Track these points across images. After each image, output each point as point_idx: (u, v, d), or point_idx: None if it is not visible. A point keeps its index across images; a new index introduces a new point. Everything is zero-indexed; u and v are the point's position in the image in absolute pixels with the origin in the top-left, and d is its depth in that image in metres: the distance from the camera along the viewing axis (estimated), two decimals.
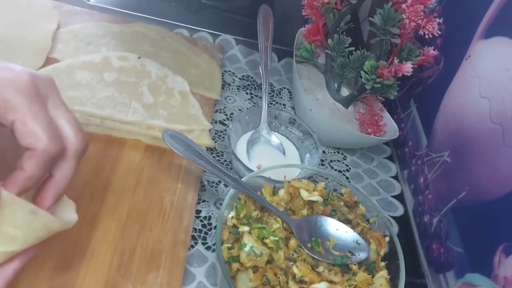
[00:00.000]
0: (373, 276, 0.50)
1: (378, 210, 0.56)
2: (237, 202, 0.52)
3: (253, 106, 0.75)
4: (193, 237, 0.56)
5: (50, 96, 0.40)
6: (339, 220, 0.54)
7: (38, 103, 0.37)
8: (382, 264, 0.52)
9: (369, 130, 0.72)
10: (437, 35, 0.63)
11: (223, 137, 0.69)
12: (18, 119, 0.36)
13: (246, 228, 0.49)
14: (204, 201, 0.60)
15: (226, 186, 0.62)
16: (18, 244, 0.35)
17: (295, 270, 0.48)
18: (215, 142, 0.67)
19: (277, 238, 0.48)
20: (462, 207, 0.58)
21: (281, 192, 0.55)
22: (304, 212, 0.54)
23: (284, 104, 0.79)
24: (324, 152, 0.74)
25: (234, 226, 0.51)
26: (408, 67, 0.64)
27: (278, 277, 0.47)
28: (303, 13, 0.73)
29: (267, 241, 0.48)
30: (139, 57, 0.67)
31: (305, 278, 0.47)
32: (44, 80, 0.40)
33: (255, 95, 0.78)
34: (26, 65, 0.63)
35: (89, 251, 0.49)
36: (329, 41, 0.72)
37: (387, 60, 0.66)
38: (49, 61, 0.65)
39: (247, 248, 0.47)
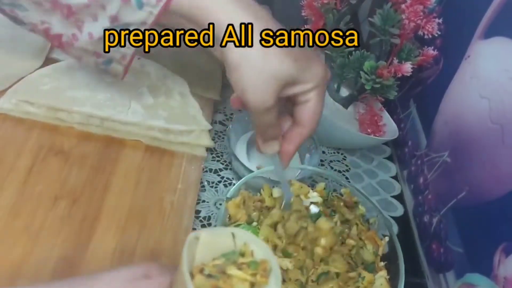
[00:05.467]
0: None
1: (378, 210, 0.56)
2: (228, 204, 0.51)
3: None
4: None
5: None
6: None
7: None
8: (382, 264, 0.52)
9: (369, 130, 0.72)
10: (436, 35, 0.63)
11: (223, 138, 0.69)
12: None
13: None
14: (204, 201, 0.60)
15: (226, 186, 0.62)
16: None
17: None
18: (215, 142, 0.67)
19: None
20: (462, 207, 0.58)
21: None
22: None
23: None
24: (324, 152, 0.74)
25: None
26: (407, 67, 0.64)
27: None
28: (303, 14, 0.73)
29: None
30: (138, 58, 0.67)
31: None
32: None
33: None
34: (25, 65, 0.63)
35: (89, 251, 0.49)
36: None
37: (387, 60, 0.67)
38: (48, 61, 0.65)
39: None
